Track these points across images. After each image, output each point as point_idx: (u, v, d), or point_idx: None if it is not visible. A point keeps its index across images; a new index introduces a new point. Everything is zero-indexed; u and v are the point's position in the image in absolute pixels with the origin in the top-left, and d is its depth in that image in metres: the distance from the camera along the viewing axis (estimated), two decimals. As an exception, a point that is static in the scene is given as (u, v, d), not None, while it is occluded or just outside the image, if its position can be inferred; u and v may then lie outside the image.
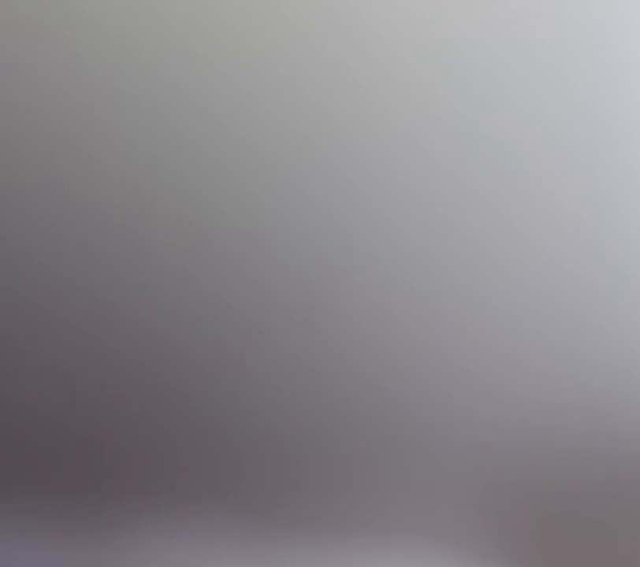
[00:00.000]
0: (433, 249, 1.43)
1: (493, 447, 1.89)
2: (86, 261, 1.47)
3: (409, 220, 1.38)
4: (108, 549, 2.26)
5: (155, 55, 1.16)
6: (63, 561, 2.29)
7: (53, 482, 2.05)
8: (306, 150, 1.28)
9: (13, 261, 1.47)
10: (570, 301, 1.53)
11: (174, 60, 1.16)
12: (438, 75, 1.17)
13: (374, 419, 1.81)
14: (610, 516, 2.09)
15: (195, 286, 1.51)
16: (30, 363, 1.69)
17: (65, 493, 2.09)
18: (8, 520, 2.18)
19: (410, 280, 1.49)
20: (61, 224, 1.40)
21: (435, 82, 1.18)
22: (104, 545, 2.25)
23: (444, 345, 1.62)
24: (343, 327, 1.59)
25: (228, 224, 1.40)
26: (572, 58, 1.15)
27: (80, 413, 1.82)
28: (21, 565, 2.31)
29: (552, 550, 2.24)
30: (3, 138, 1.27)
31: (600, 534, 2.16)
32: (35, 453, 1.95)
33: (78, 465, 1.99)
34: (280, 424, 1.84)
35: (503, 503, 2.07)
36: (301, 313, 1.56)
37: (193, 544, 2.27)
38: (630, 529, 2.14)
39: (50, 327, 1.61)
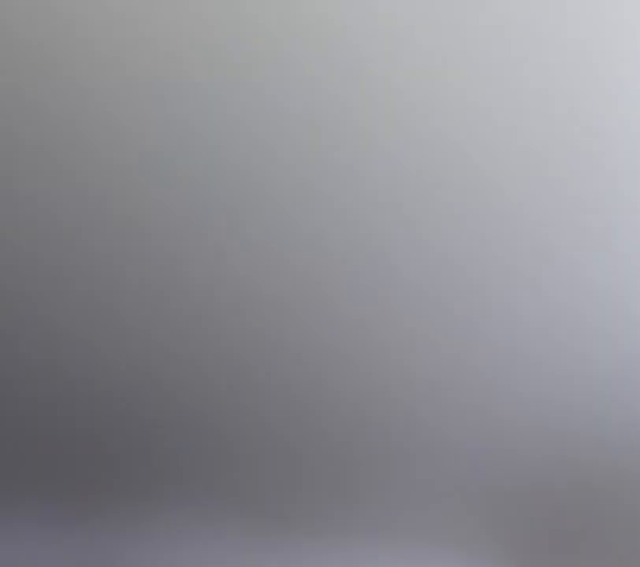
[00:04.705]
0: (447, 250, 1.43)
1: (494, 448, 1.89)
2: (88, 268, 1.47)
3: (409, 244, 1.38)
4: (107, 548, 2.26)
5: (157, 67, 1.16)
6: (63, 560, 2.29)
7: (55, 482, 2.05)
8: (311, 152, 1.28)
9: (13, 260, 1.47)
10: (574, 304, 1.53)
11: (180, 63, 1.16)
12: (438, 116, 1.17)
13: (376, 419, 1.81)
14: (609, 516, 2.09)
15: (202, 293, 1.51)
16: (35, 365, 1.69)
17: (65, 492, 2.09)
18: (7, 519, 2.18)
19: (415, 282, 1.49)
20: (65, 225, 1.40)
21: (436, 123, 1.18)
22: (103, 544, 2.25)
23: (448, 347, 1.62)
24: (348, 330, 1.59)
25: (233, 231, 1.40)
26: (573, 97, 1.15)
27: (79, 411, 1.82)
28: (17, 564, 2.31)
29: (551, 550, 2.24)
30: (3, 139, 1.27)
31: (600, 534, 2.16)
32: (38, 454, 1.95)
33: (79, 462, 1.99)
34: (282, 425, 1.84)
35: (502, 503, 2.07)
36: (305, 316, 1.56)
37: (193, 544, 2.27)
38: (630, 529, 2.14)
39: (53, 333, 1.61)
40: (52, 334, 1.62)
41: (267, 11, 1.10)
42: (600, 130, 1.24)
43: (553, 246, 1.42)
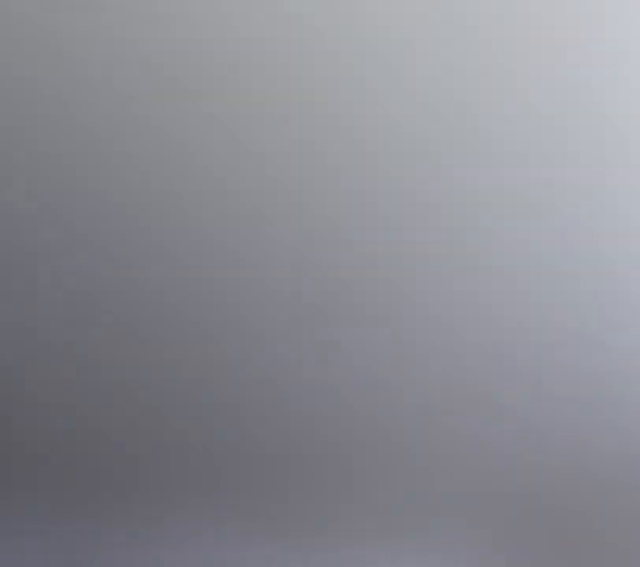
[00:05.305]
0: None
1: (492, 453, 1.89)
2: (91, 268, 1.47)
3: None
4: (105, 548, 2.26)
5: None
6: (62, 559, 2.29)
7: (55, 481, 2.05)
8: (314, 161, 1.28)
9: (20, 265, 1.47)
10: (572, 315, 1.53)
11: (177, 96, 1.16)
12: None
13: (377, 423, 1.81)
14: (609, 517, 2.10)
15: (205, 297, 1.51)
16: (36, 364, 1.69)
17: (65, 490, 2.09)
18: (5, 519, 2.18)
19: (419, 296, 1.49)
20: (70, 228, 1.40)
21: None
22: (101, 544, 2.25)
23: (447, 352, 1.62)
24: (353, 340, 1.59)
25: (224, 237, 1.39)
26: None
27: (79, 409, 1.82)
28: (16, 564, 2.30)
29: (552, 551, 2.24)
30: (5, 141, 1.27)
31: (599, 535, 2.16)
32: (37, 454, 1.94)
33: (78, 461, 1.98)
34: (285, 426, 1.84)
35: (501, 505, 2.07)
36: (310, 320, 1.56)
37: (192, 544, 2.27)
38: (629, 530, 2.14)
39: (55, 335, 1.60)
40: (57, 338, 1.62)
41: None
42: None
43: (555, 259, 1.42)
